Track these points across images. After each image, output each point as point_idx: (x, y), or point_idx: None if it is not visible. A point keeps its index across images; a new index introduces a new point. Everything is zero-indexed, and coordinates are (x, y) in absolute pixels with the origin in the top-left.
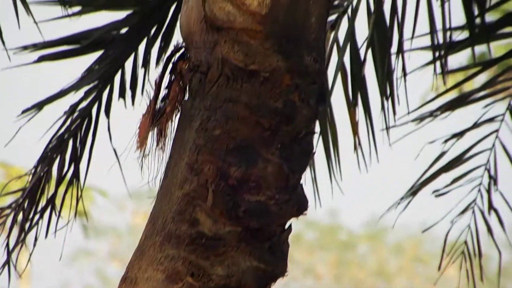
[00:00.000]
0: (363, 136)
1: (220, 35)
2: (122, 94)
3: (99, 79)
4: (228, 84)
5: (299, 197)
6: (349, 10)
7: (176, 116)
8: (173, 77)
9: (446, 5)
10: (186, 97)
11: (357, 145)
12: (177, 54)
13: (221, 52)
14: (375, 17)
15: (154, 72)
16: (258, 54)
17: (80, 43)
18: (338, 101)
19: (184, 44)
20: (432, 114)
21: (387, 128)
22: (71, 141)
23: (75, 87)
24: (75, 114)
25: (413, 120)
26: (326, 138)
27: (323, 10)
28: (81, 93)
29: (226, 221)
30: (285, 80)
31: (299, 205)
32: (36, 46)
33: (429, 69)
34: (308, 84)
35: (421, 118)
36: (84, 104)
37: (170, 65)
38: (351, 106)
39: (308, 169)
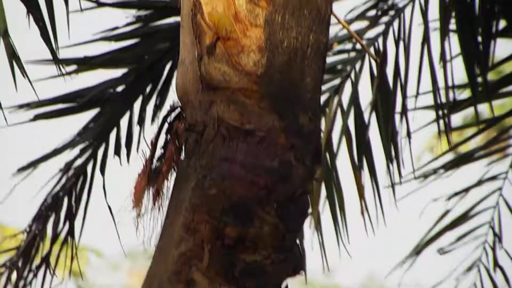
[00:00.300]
0: (368, 195)
1: (215, 94)
2: (117, 152)
3: (94, 137)
4: (224, 143)
5: (296, 256)
6: (352, 75)
7: (172, 175)
8: (169, 136)
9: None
10: (182, 157)
11: (363, 209)
12: (173, 114)
13: (217, 112)
14: (378, 81)
15: (150, 129)
16: (253, 113)
17: (75, 101)
18: (343, 164)
19: (179, 104)
20: (435, 172)
21: (392, 186)
22: (66, 199)
23: (70, 145)
24: (70, 172)
25: (416, 178)
26: (333, 202)
27: (318, 70)
28: (76, 151)
29: (223, 281)
30: (281, 140)
31: (296, 265)
32: (31, 105)
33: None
34: (304, 143)
35: (425, 176)
36: (79, 161)
37: (166, 125)
38: (357, 170)
39: (315, 233)
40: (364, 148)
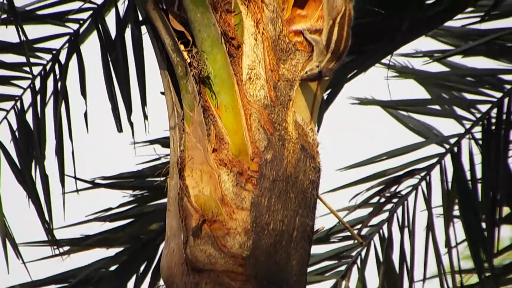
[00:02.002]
0: None
1: (201, 277)
2: None
3: None
4: None
5: None
6: (358, 260)
7: None
8: None
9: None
10: None
11: None
12: None
13: None
14: (385, 266)
15: None
16: None
17: (68, 281)
18: None
19: (164, 287)
20: None
21: None
22: None
23: None
24: None
25: None
26: None
27: (304, 253)
28: None
29: None
30: None
31: None
32: (23, 286)
33: None
34: None
35: None
36: None
37: None
38: None
39: None
40: None
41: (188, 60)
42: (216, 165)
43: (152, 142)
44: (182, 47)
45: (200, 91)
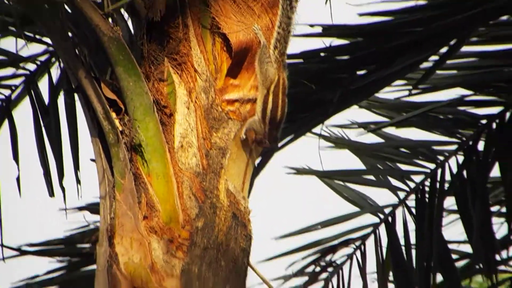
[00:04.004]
0: None
1: None
2: None
3: None
4: None
5: None
6: None
7: None
8: None
9: None
10: None
11: None
12: None
13: None
14: None
15: None
16: None
17: None
18: None
19: None
20: None
21: None
22: None
23: None
24: None
25: None
26: None
27: None
28: None
29: None
30: None
31: None
32: None
33: None
34: None
35: None
36: None
37: None
38: None
39: None
40: None
41: (120, 128)
42: (147, 232)
43: (81, 208)
44: (114, 115)
45: (131, 159)
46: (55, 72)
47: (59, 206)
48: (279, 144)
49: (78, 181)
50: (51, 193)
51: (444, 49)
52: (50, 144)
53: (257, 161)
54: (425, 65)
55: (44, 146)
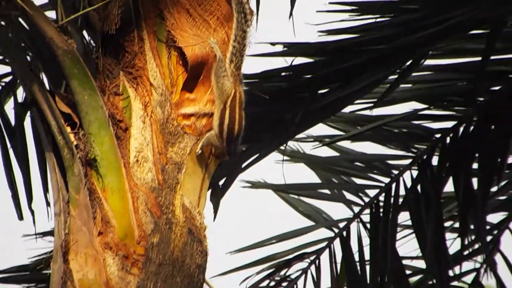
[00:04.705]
0: None
1: None
2: None
3: None
4: None
5: None
6: None
7: None
8: None
9: None
10: None
11: None
12: None
13: None
14: None
15: None
16: None
17: None
18: None
19: None
20: None
21: None
22: None
23: None
24: None
25: None
26: None
27: None
28: None
29: None
30: None
31: None
32: None
33: None
34: None
35: None
36: None
37: None
38: None
39: None
40: None
41: (75, 143)
42: (102, 248)
43: (44, 234)
44: (68, 129)
45: (86, 174)
46: (20, 92)
47: (23, 232)
48: (243, 165)
49: (47, 203)
50: (20, 216)
51: (404, 66)
52: (18, 165)
53: (221, 182)
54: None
55: (11, 168)
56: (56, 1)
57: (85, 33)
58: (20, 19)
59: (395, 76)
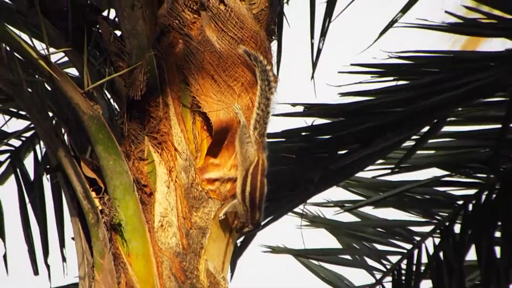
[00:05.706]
0: None
1: None
2: None
3: None
4: None
5: None
6: None
7: None
8: None
9: None
10: None
11: None
12: None
13: None
14: None
15: None
16: None
17: None
18: None
19: None
20: None
21: None
22: None
23: None
24: None
25: None
26: None
27: None
28: None
29: None
30: None
31: None
32: None
33: None
34: None
35: None
36: None
37: None
38: None
39: None
40: None
41: (100, 207)
42: None
43: None
44: (93, 194)
45: (111, 238)
46: (40, 148)
47: (41, 286)
48: (261, 224)
49: (63, 259)
50: (36, 271)
51: (424, 129)
52: (36, 220)
53: (239, 240)
54: (404, 144)
55: (28, 223)
56: (82, 67)
57: (109, 97)
58: (45, 84)
59: (414, 142)
